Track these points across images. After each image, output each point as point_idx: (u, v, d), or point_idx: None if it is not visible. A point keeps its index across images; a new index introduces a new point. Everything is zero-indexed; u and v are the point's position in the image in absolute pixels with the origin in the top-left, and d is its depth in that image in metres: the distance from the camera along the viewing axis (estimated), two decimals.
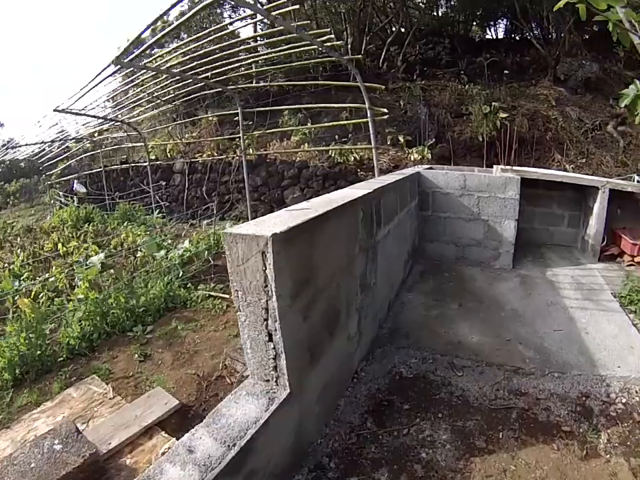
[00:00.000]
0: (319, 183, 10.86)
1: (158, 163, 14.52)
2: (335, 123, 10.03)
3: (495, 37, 19.49)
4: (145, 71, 7.56)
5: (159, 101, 11.55)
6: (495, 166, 7.53)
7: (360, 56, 8.13)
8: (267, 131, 11.46)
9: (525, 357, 3.67)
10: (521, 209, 5.78)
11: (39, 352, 4.44)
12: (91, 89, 7.50)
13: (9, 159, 24.01)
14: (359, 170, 10.63)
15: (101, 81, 7.07)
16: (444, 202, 6.03)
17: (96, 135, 16.24)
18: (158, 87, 9.64)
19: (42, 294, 5.75)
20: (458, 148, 10.84)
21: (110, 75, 6.99)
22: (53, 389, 4.07)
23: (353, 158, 10.79)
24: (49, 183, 20.84)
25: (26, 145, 18.14)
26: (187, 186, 13.73)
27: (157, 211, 13.12)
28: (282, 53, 7.79)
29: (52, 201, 19.89)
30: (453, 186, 5.90)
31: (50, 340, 4.75)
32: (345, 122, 10.07)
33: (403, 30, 16.47)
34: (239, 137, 11.86)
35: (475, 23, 19.45)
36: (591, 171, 10.46)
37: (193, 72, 8.24)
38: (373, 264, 3.83)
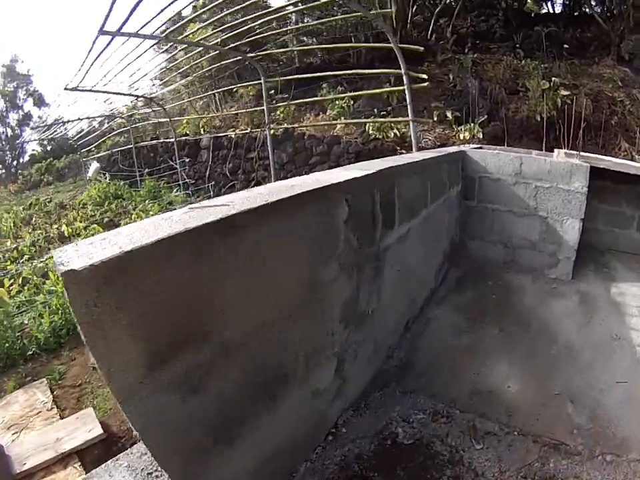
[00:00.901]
0: (351, 160, 9.89)
1: (185, 138, 13.91)
2: (368, 92, 9.15)
3: (552, 12, 18.03)
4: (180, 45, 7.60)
5: (189, 76, 11.38)
6: (556, 150, 6.52)
7: (390, 10, 7.30)
8: (293, 102, 10.59)
9: (573, 424, 2.67)
10: None
11: (6, 345, 4.26)
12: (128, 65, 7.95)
13: (57, 137, 24.56)
14: (398, 147, 9.62)
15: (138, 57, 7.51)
16: (493, 190, 5.12)
17: (125, 111, 16.58)
18: (192, 61, 9.69)
19: (13, 284, 5.46)
20: (513, 128, 9.70)
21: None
22: (8, 386, 3.94)
23: (392, 134, 9.79)
24: (85, 159, 21.20)
25: (65, 122, 18.94)
26: (210, 163, 13.06)
27: (181, 188, 12.72)
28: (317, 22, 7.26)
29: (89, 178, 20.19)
30: (505, 171, 4.98)
31: (20, 332, 4.57)
32: (379, 90, 9.07)
33: (452, 1, 15.22)
34: (273, 110, 11.27)
35: None
36: None
37: (225, 45, 7.91)
38: (373, 283, 2.88)
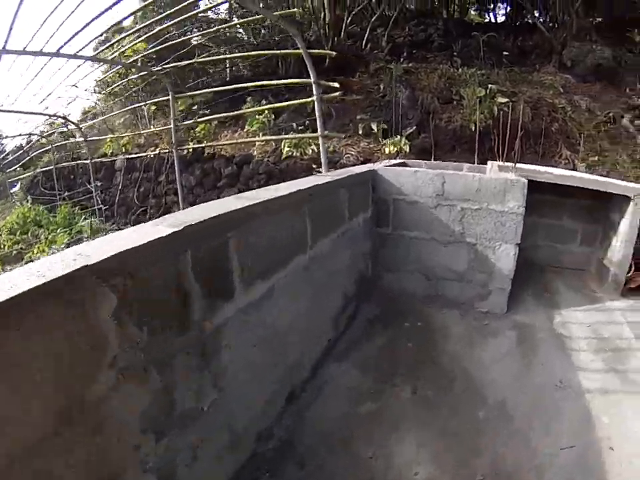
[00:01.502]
0: (261, 182, 8.95)
1: (100, 160, 12.74)
2: (279, 105, 8.21)
3: (494, 22, 17.72)
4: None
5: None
6: (489, 162, 5.83)
7: (296, 10, 6.50)
8: (203, 119, 9.59)
9: None
10: None
11: None
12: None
13: None
14: (315, 166, 8.59)
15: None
16: (411, 215, 4.25)
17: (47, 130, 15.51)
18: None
19: None
20: (445, 139, 8.93)
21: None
22: None
23: (311, 150, 8.77)
24: (9, 180, 19.81)
25: None
26: (120, 187, 11.98)
27: (97, 214, 11.61)
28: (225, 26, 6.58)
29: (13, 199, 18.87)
30: (424, 192, 4.12)
31: None
32: (287, 103, 7.98)
33: (390, 12, 14.58)
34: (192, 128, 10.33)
35: (470, 5, 17.82)
36: (605, 171, 8.65)
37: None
38: (201, 374, 1.96)
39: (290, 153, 8.87)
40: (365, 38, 13.11)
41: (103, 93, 11.01)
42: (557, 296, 4.66)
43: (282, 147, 8.99)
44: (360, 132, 9.20)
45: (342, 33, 12.57)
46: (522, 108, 7.32)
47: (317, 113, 6.02)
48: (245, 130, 10.18)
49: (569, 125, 9.52)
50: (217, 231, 1.96)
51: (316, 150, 8.65)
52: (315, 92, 5.96)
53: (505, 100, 8.73)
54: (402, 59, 11.72)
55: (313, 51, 6.21)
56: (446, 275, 4.32)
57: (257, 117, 9.72)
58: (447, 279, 4.33)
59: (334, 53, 6.20)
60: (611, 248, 4.78)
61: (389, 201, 4.26)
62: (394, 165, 5.09)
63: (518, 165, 4.80)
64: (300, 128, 9.52)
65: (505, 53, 12.10)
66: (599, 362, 3.41)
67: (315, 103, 6.00)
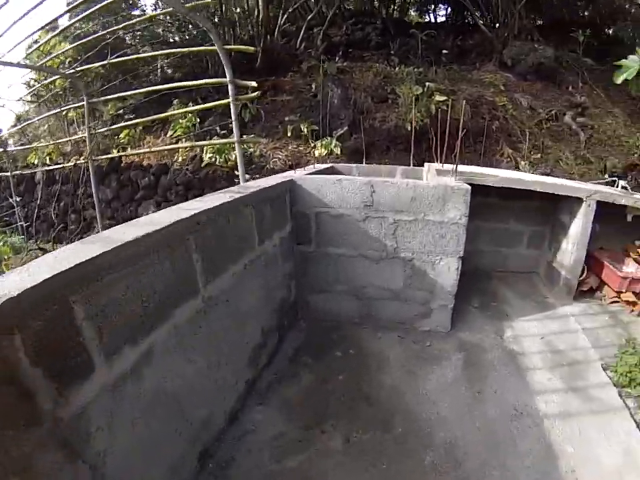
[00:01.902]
0: (179, 194, 8.28)
1: (20, 172, 11.69)
2: (193, 108, 7.50)
3: (434, 21, 17.53)
4: None
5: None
6: (426, 164, 5.40)
7: (210, 0, 5.96)
8: (117, 126, 8.76)
9: None
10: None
11: None
12: None
13: None
14: (237, 172, 7.81)
15: None
16: (336, 230, 3.71)
17: None
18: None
19: None
20: (379, 139, 8.46)
21: None
22: None
23: (234, 156, 7.83)
24: None
25: None
26: (40, 202, 11.01)
27: (15, 233, 10.61)
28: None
29: None
30: (351, 202, 3.59)
31: None
32: (201, 107, 7.31)
33: (328, 10, 14.10)
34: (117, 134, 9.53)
35: (411, 6, 17.57)
36: (548, 168, 8.50)
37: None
38: (73, 464, 1.47)
39: (212, 160, 8.13)
40: (300, 37, 12.57)
41: (22, 98, 10.01)
42: (505, 305, 4.39)
43: (204, 153, 8.25)
44: (289, 134, 8.59)
45: (276, 32, 12.01)
46: (463, 104, 6.88)
47: (232, 116, 5.40)
48: (169, 135, 9.39)
49: (510, 123, 9.31)
50: (54, 297, 1.38)
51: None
52: (230, 92, 5.37)
53: (443, 98, 8.32)
54: (337, 58, 11.23)
55: (231, 47, 5.69)
56: (380, 294, 3.85)
57: (179, 121, 8.92)
58: (382, 299, 3.87)
59: (252, 49, 5.57)
60: (562, 251, 4.60)
61: (310, 215, 3.70)
62: (321, 171, 4.58)
63: (460, 168, 4.35)
64: (223, 132, 8.80)
65: (444, 51, 11.93)
66: (557, 380, 3.15)
67: (231, 104, 5.40)
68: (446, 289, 3.69)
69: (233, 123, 5.39)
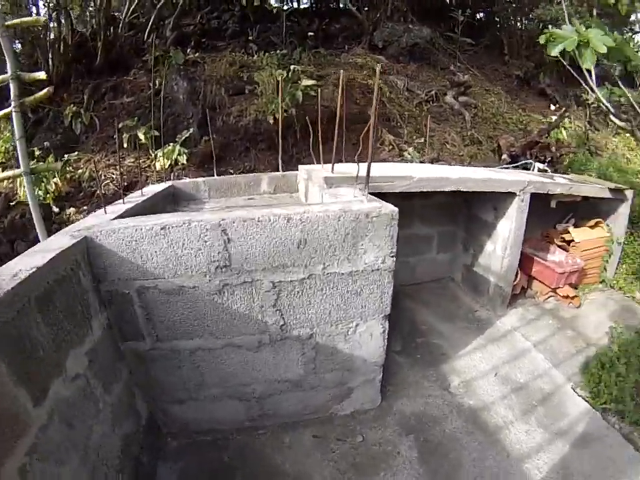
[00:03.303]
0: None
1: None
2: None
3: (297, 8, 16.67)
4: None
5: None
6: (302, 168, 4.14)
7: None
8: None
9: None
10: None
11: None
12: None
13: None
14: (57, 209, 6.02)
15: None
16: (179, 312, 2.31)
17: None
18: None
19: None
20: (236, 139, 7.13)
21: None
22: None
23: (57, 184, 6.04)
24: None
25: None
26: None
27: None
28: None
29: None
30: (193, 265, 2.21)
31: None
32: None
33: None
34: None
35: None
36: (435, 152, 7.71)
37: None
38: None
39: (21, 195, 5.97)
40: (149, 28, 10.91)
41: None
42: (434, 337, 3.74)
43: (18, 186, 6.07)
44: (125, 145, 6.85)
45: (121, 24, 10.30)
46: (341, 79, 5.78)
47: (15, 131, 3.83)
48: None
49: (388, 107, 8.46)
50: None
51: (67, 183, 6.23)
52: (12, 93, 3.79)
53: (311, 82, 7.11)
54: (188, 49, 9.73)
55: (14, 22, 4.13)
56: (274, 388, 2.63)
57: None
58: (279, 392, 2.65)
59: (42, 19, 4.10)
60: (487, 254, 4.11)
61: (130, 295, 2.27)
62: (150, 200, 3.24)
63: (339, 168, 3.44)
64: (43, 151, 6.66)
65: (309, 33, 11.11)
66: (537, 431, 2.68)
67: (13, 113, 3.81)
68: (369, 360, 2.67)
69: (17, 142, 3.81)
